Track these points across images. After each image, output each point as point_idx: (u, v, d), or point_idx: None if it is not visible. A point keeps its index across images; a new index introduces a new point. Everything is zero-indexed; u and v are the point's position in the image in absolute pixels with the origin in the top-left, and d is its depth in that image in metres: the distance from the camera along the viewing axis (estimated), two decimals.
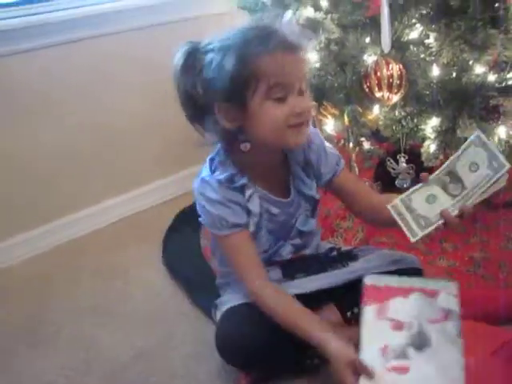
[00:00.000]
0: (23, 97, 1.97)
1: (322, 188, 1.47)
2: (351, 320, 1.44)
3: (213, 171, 1.33)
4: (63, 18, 1.99)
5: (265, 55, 1.17)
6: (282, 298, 1.31)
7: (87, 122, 2.13)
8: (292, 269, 1.47)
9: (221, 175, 1.31)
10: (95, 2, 2.10)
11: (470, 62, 1.62)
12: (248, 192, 1.32)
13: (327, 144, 1.43)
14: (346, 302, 1.45)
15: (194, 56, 1.24)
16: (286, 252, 1.44)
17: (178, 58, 1.25)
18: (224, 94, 1.20)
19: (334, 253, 1.53)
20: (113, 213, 2.26)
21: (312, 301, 1.36)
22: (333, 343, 1.18)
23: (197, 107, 1.26)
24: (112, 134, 2.20)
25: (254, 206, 1.33)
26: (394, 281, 1.18)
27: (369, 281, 1.18)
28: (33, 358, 1.60)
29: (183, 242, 2.00)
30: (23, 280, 1.95)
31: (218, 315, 1.41)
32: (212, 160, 1.35)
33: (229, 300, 1.41)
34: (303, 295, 1.35)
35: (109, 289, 1.86)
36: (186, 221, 2.06)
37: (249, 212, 1.33)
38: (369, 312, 1.14)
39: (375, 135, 1.89)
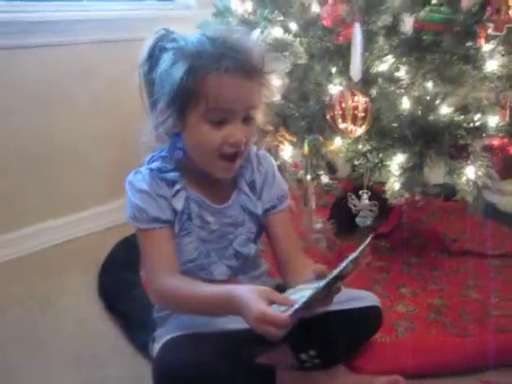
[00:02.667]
0: None
1: None
2: (305, 362, 1.33)
3: (149, 163, 1.30)
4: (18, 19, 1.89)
5: (211, 74, 1.14)
6: (194, 283, 1.23)
7: (29, 136, 2.01)
8: None
9: (156, 165, 1.27)
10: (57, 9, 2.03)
11: (437, 101, 1.60)
12: (176, 187, 1.27)
13: (278, 175, 1.37)
14: (301, 342, 1.33)
15: (154, 50, 1.23)
16: (219, 272, 1.32)
17: (144, 48, 1.24)
18: (167, 100, 1.18)
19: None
20: (48, 237, 2.11)
21: (259, 340, 1.19)
22: (237, 289, 1.12)
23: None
24: (54, 151, 2.08)
25: (178, 203, 1.26)
26: None
27: None
28: None
29: (122, 272, 1.84)
30: None
31: (156, 348, 1.28)
32: (152, 157, 1.31)
33: (167, 332, 1.29)
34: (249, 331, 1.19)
35: (37, 320, 1.69)
36: (127, 250, 1.93)
37: (175, 211, 1.26)
38: None
39: (332, 170, 1.83)
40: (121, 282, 1.79)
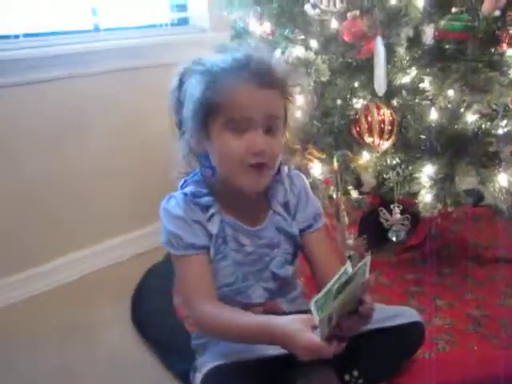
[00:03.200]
0: None
1: None
2: (349, 383, 1.31)
3: (183, 187, 1.30)
4: (25, 56, 1.86)
5: (231, 85, 1.16)
6: (235, 311, 1.21)
7: (50, 170, 1.99)
8: None
9: (188, 190, 1.27)
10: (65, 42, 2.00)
11: (462, 110, 1.58)
12: (210, 211, 1.25)
13: (311, 194, 1.36)
14: (344, 363, 1.29)
15: (184, 76, 1.25)
16: (256, 295, 1.31)
17: (175, 76, 1.26)
18: (191, 118, 1.20)
19: None
20: (78, 267, 2.09)
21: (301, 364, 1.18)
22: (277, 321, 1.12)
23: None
24: (79, 182, 2.06)
25: (213, 227, 1.25)
26: None
27: None
28: None
29: (154, 301, 1.83)
30: None
31: (199, 378, 1.25)
32: (185, 181, 1.31)
33: (209, 360, 1.26)
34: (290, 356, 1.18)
35: (70, 352, 1.66)
36: (158, 277, 1.92)
37: (211, 235, 1.25)
38: None
39: (359, 185, 1.82)
40: (154, 310, 1.77)
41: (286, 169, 1.33)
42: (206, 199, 1.25)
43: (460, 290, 1.78)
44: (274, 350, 1.20)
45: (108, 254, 2.16)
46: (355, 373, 1.31)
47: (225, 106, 1.15)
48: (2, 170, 1.88)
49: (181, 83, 1.25)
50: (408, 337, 1.35)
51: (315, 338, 1.04)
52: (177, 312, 1.74)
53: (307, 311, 1.29)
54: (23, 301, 1.94)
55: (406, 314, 1.37)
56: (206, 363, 1.27)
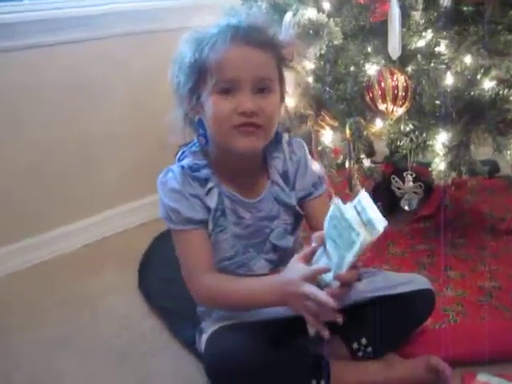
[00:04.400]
0: None
1: None
2: (358, 352, 1.32)
3: (180, 160, 1.29)
4: (35, 19, 1.82)
5: (218, 47, 1.15)
6: (236, 279, 1.24)
7: (58, 136, 1.96)
8: None
9: (187, 162, 1.26)
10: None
11: (479, 76, 1.53)
12: (209, 185, 1.25)
13: (312, 161, 1.34)
14: (352, 331, 1.31)
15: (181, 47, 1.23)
16: (259, 267, 1.31)
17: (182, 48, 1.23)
18: (184, 85, 1.19)
19: None
20: (83, 235, 2.08)
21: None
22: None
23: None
24: (88, 148, 2.04)
25: (212, 200, 1.24)
26: None
27: (482, 377, 1.25)
28: None
29: (161, 269, 1.81)
30: None
31: (204, 339, 1.27)
32: (183, 152, 1.30)
33: (215, 322, 1.28)
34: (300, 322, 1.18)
35: (76, 320, 1.66)
36: (165, 245, 1.87)
37: (209, 209, 1.25)
38: None
39: (371, 154, 1.78)
40: (161, 278, 1.76)
41: (286, 137, 1.31)
42: (204, 172, 1.25)
43: (472, 261, 1.76)
44: (280, 313, 1.21)
45: (114, 221, 2.15)
46: (363, 340, 1.31)
47: (212, 68, 1.15)
48: (9, 136, 1.86)
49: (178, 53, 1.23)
50: (418, 304, 1.34)
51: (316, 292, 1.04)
52: (183, 280, 1.73)
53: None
54: (27, 269, 1.94)
55: (416, 281, 1.36)
56: (211, 325, 1.28)
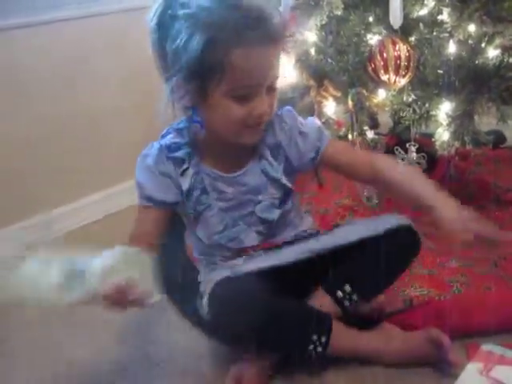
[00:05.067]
0: None
1: (306, 170, 1.37)
2: (343, 301, 1.28)
3: (164, 136, 1.26)
4: None
5: (235, 49, 1.06)
6: None
7: (62, 111, 1.96)
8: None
9: (167, 140, 1.24)
10: None
11: (483, 44, 1.51)
12: (184, 166, 1.23)
13: (303, 121, 1.30)
14: (333, 279, 1.30)
15: (163, 17, 1.10)
16: (249, 239, 1.31)
17: (151, 15, 1.12)
18: (184, 76, 1.10)
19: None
20: (89, 211, 2.10)
21: (296, 287, 1.25)
22: None
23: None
24: (92, 123, 2.04)
25: (185, 182, 1.23)
26: None
27: (486, 347, 1.24)
28: None
29: (166, 240, 1.82)
30: None
31: (205, 300, 1.25)
32: (168, 129, 1.27)
33: (219, 274, 1.27)
34: (285, 278, 1.21)
35: None
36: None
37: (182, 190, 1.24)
38: (472, 367, 1.19)
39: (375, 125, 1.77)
40: (166, 249, 1.76)
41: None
42: (182, 152, 1.23)
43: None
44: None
45: (120, 197, 2.14)
46: (347, 288, 1.28)
47: (232, 73, 1.07)
48: (13, 112, 1.86)
49: (160, 27, 1.11)
50: (398, 242, 1.30)
51: None
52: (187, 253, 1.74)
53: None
54: (36, 244, 1.94)
55: (392, 220, 1.33)
56: (213, 279, 1.26)
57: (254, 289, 1.18)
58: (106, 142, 2.10)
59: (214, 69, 1.07)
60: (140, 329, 1.52)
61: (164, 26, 1.10)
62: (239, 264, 1.30)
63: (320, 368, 1.28)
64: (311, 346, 1.22)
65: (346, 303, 1.28)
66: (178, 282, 1.59)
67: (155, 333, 1.50)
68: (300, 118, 1.30)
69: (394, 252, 1.29)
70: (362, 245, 1.28)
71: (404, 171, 1.32)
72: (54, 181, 1.99)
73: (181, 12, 1.07)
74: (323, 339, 1.22)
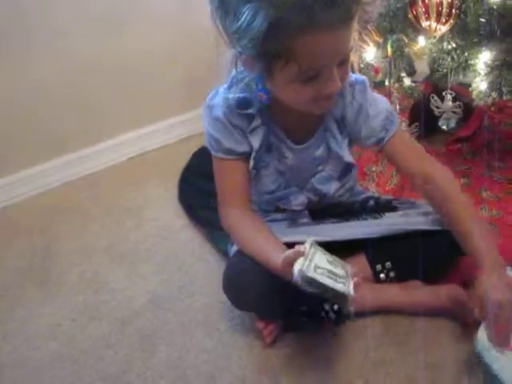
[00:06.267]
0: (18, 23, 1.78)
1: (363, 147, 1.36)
2: (380, 273, 1.32)
3: (230, 86, 1.19)
4: None
5: (303, 33, 0.95)
6: (258, 229, 1.22)
7: (102, 53, 1.97)
8: (321, 213, 1.35)
9: (235, 95, 1.17)
10: None
11: None
12: (255, 123, 1.20)
13: (374, 99, 1.24)
14: (379, 253, 1.32)
15: None
16: (297, 202, 1.31)
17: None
18: (249, 51, 1.01)
19: (372, 202, 1.40)
20: (127, 149, 2.13)
21: (340, 248, 1.23)
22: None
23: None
24: (131, 65, 2.04)
25: (255, 140, 1.21)
26: None
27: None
28: (39, 299, 1.49)
29: (200, 181, 1.85)
30: (31, 216, 1.84)
31: (233, 250, 1.31)
32: (234, 77, 1.18)
33: None
34: (330, 242, 1.23)
35: (122, 228, 1.74)
36: (204, 160, 1.89)
37: (251, 146, 1.22)
38: None
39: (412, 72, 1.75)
40: (200, 190, 1.79)
41: (351, 77, 1.19)
42: (253, 109, 1.18)
43: (509, 184, 1.73)
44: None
45: (156, 136, 2.18)
46: (388, 264, 1.31)
47: (300, 58, 0.99)
48: (57, 53, 1.88)
49: (221, 3, 1.01)
50: (447, 244, 1.27)
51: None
52: None
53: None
54: (71, 182, 2.02)
55: None
56: None
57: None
58: (139, 84, 2.10)
59: (279, 52, 0.99)
60: (175, 262, 1.58)
61: (224, 3, 1.01)
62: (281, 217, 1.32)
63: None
64: (323, 314, 1.22)
65: (382, 276, 1.31)
66: (213, 221, 1.65)
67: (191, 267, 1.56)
68: (372, 94, 1.24)
69: (438, 251, 1.29)
70: (413, 233, 1.27)
71: (463, 203, 1.22)
72: (95, 118, 2.04)
73: None
74: (335, 307, 1.21)
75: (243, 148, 1.22)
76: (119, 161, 2.11)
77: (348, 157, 1.26)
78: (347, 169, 1.30)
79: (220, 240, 1.54)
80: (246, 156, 1.23)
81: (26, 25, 1.79)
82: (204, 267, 1.54)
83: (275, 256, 1.09)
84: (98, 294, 1.49)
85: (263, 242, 1.19)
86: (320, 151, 1.26)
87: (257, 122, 1.20)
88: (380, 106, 1.24)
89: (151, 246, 1.65)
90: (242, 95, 1.17)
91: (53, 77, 1.89)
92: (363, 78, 1.24)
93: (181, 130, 2.21)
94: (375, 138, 1.24)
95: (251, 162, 1.23)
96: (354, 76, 1.20)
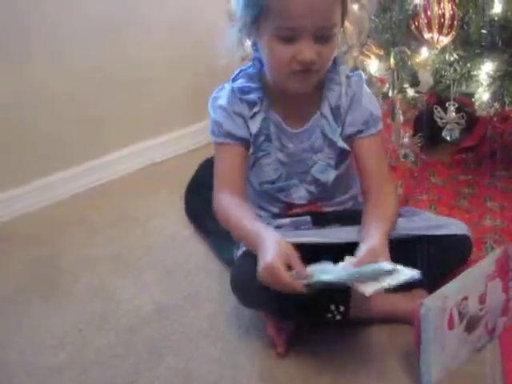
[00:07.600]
0: (27, 31, 1.81)
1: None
2: None
3: (235, 80, 1.30)
4: None
5: None
6: (242, 210, 1.24)
7: (107, 62, 1.99)
8: (324, 217, 1.36)
9: (238, 84, 1.28)
10: None
11: None
12: (255, 109, 1.27)
13: (369, 99, 1.29)
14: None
15: None
16: (298, 196, 1.34)
17: None
18: (241, 11, 1.17)
19: None
20: (134, 160, 2.15)
21: (343, 252, 1.22)
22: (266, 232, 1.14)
23: None
24: (136, 74, 2.07)
25: (254, 125, 1.27)
26: None
27: None
28: (47, 309, 1.50)
29: (206, 192, 1.85)
30: (40, 227, 1.85)
31: (239, 254, 1.32)
32: (241, 71, 1.31)
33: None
34: (333, 246, 1.23)
35: (128, 238, 1.76)
36: (210, 171, 1.92)
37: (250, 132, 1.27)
38: None
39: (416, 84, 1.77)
40: (206, 201, 1.80)
41: (347, 70, 1.29)
42: (253, 96, 1.26)
43: None
44: (321, 238, 1.24)
45: (164, 148, 2.20)
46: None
47: (274, 12, 1.11)
48: (60, 63, 1.90)
49: None
50: (453, 249, 1.31)
51: (281, 269, 1.06)
52: None
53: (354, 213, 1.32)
54: (79, 193, 2.03)
55: (455, 226, 1.34)
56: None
57: None
58: (148, 93, 2.12)
59: (260, 6, 1.12)
60: (182, 272, 1.59)
61: None
62: (285, 223, 1.32)
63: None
64: (329, 315, 1.23)
65: None
66: (218, 230, 1.66)
67: (197, 277, 1.57)
68: (367, 89, 1.30)
69: (446, 256, 1.30)
70: (419, 239, 1.28)
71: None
72: (104, 128, 2.06)
73: None
74: (341, 308, 1.22)
75: (243, 133, 1.27)
76: (127, 172, 2.13)
77: (342, 143, 1.29)
78: (342, 156, 1.33)
79: (225, 250, 1.55)
80: (244, 143, 1.28)
81: (26, 36, 1.81)
82: (209, 277, 1.55)
83: (254, 235, 1.15)
84: (105, 303, 1.50)
85: (246, 224, 1.20)
86: (315, 136, 1.30)
87: (257, 108, 1.27)
88: (372, 103, 1.30)
89: (158, 256, 1.66)
90: (246, 84, 1.27)
91: (59, 87, 1.91)
92: (360, 71, 1.33)
93: (188, 141, 2.24)
94: (354, 128, 1.28)
95: (251, 149, 1.28)
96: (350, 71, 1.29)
